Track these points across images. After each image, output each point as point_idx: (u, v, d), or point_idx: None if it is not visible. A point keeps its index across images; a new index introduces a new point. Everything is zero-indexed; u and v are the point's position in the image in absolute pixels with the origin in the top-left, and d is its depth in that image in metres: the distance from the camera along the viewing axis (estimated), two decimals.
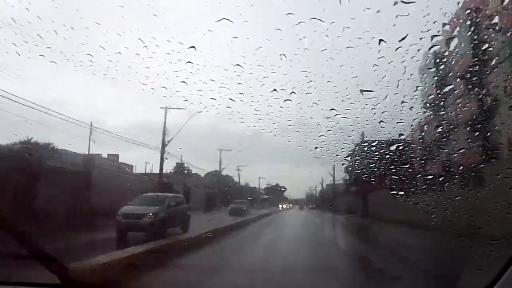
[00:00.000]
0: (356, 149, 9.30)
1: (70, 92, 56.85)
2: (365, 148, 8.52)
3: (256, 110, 7.52)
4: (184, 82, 7.09)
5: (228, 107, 7.38)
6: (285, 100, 6.82)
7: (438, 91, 7.73)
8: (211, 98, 7.29)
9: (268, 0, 5.97)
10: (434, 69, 6.63)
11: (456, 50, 5.95)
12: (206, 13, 6.73)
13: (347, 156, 9.24)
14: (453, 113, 9.06)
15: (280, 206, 62.54)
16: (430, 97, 8.16)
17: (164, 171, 36.10)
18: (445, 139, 9.58)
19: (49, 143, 28.48)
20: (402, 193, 8.47)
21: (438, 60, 6.33)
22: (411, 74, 5.62)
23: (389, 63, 5.59)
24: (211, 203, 38.36)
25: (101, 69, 7.53)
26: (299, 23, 5.72)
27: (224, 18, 5.84)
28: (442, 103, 8.09)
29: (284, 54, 6.22)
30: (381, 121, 6.64)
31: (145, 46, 6.80)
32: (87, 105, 53.81)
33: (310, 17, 5.55)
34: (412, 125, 7.47)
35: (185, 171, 47.64)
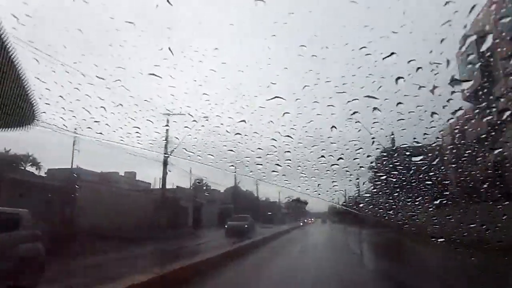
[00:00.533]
0: (384, 156, 8.33)
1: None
2: (394, 154, 7.58)
3: (302, 173, 7.56)
4: (231, 150, 7.13)
5: (274, 171, 7.22)
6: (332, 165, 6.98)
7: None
8: (257, 164, 7.27)
9: (321, 79, 5.48)
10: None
11: None
12: (260, 92, 6.88)
13: (373, 163, 8.22)
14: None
15: (301, 220, 60.65)
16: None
17: (183, 187, 35.99)
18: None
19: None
20: (436, 202, 7.54)
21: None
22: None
23: None
24: (224, 219, 33.60)
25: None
26: (354, 99, 5.95)
27: (277, 97, 6.02)
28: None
29: (335, 126, 6.38)
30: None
31: (194, 121, 7.17)
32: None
33: (364, 95, 5.78)
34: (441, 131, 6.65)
35: (204, 187, 46.97)
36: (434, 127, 6.26)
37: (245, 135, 6.78)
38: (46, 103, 6.70)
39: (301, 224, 56.16)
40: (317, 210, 69.44)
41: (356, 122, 6.52)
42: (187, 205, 28.38)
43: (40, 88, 6.32)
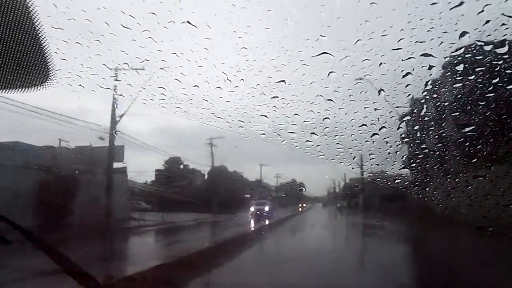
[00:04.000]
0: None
1: None
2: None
3: (338, 144, 6.86)
4: (265, 116, 6.37)
5: (308, 140, 6.63)
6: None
7: None
8: (290, 132, 6.62)
9: (377, 33, 4.79)
10: None
11: None
12: (306, 46, 5.63)
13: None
14: None
15: (299, 205, 53.85)
16: None
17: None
18: None
19: None
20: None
21: None
22: None
23: None
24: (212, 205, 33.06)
25: (173, 101, 6.57)
26: (409, 58, 5.27)
27: (325, 53, 5.31)
28: None
29: (382, 89, 5.78)
30: None
31: (229, 80, 6.02)
32: None
33: (420, 53, 5.14)
34: None
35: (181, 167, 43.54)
36: None
37: (283, 98, 6.13)
38: (63, 59, 6.05)
39: (300, 210, 50.51)
40: (316, 195, 65.40)
41: (406, 86, 5.92)
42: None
43: (57, 40, 5.67)
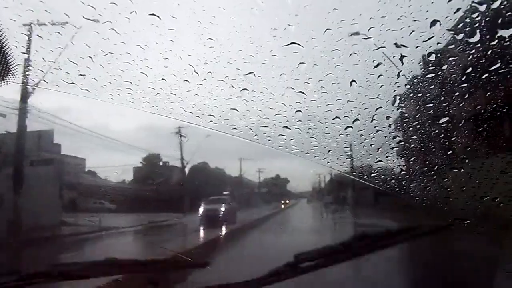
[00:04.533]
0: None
1: None
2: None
3: (312, 138, 6.63)
4: (235, 109, 6.19)
5: (281, 135, 6.39)
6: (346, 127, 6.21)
7: None
8: (262, 126, 6.34)
9: (346, 21, 4.62)
10: None
11: None
12: (274, 36, 5.57)
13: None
14: None
15: (282, 202, 50.04)
16: None
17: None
18: None
19: None
20: None
21: None
22: None
23: None
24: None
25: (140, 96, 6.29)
26: (379, 48, 5.23)
27: (293, 43, 5.14)
28: None
29: (354, 81, 5.62)
30: None
31: (196, 72, 5.79)
32: None
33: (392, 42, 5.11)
34: None
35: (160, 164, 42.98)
36: None
37: (253, 90, 5.95)
38: (23, 53, 5.81)
39: (283, 206, 46.47)
40: (301, 190, 63.04)
41: (378, 77, 5.79)
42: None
43: (15, 33, 5.43)
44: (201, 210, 22.17)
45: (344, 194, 37.20)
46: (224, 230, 18.91)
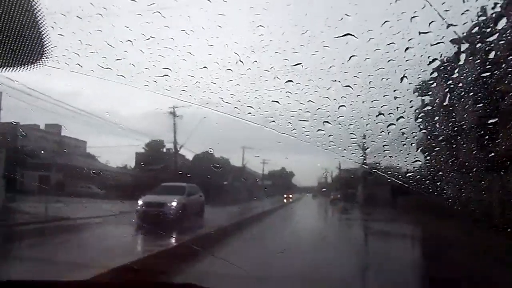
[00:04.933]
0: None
1: None
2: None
3: (352, 134, 6.35)
4: (277, 102, 5.91)
5: (320, 129, 6.08)
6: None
7: None
8: (302, 120, 6.03)
9: (407, 14, 4.36)
10: None
11: None
12: (328, 26, 5.27)
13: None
14: None
15: (285, 196, 46.10)
16: None
17: None
18: None
19: None
20: None
21: None
22: None
23: None
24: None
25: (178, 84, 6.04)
26: (438, 43, 4.91)
27: (349, 34, 4.89)
28: None
29: (405, 76, 5.24)
30: None
31: (241, 61, 5.55)
32: None
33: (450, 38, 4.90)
34: None
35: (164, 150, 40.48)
36: None
37: (298, 83, 5.70)
38: (60, 34, 5.54)
39: (285, 201, 42.09)
40: (307, 184, 58.73)
41: (431, 73, 5.55)
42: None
43: (54, 13, 5.17)
44: (139, 204, 15.02)
45: (352, 191, 33.03)
46: (173, 238, 11.37)
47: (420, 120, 6.22)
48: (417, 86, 6.15)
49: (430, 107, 6.07)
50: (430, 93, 6.76)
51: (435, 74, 5.57)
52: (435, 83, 6.10)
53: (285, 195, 46.35)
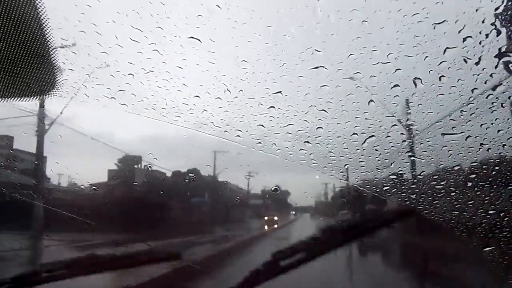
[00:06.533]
0: None
1: None
2: None
3: (331, 152, 7.13)
4: (262, 125, 6.74)
5: (302, 149, 6.91)
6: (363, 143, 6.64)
7: None
8: (285, 141, 6.89)
9: (367, 48, 5.34)
10: None
11: None
12: (302, 60, 6.17)
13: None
14: None
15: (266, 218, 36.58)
16: None
17: None
18: None
19: None
20: None
21: None
22: None
23: None
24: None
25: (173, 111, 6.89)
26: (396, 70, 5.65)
27: (321, 66, 5.73)
28: None
29: (372, 100, 6.13)
30: None
31: (228, 90, 6.36)
32: None
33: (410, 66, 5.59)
34: None
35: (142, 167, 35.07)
36: None
37: (279, 108, 6.52)
38: (70, 69, 6.36)
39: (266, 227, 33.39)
40: (302, 205, 55.38)
41: (395, 97, 6.36)
42: None
43: (66, 51, 5.98)
44: None
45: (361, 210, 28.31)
46: None
47: (390, 137, 6.99)
48: None
49: (397, 126, 6.83)
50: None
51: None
52: None
53: (265, 218, 36.34)
